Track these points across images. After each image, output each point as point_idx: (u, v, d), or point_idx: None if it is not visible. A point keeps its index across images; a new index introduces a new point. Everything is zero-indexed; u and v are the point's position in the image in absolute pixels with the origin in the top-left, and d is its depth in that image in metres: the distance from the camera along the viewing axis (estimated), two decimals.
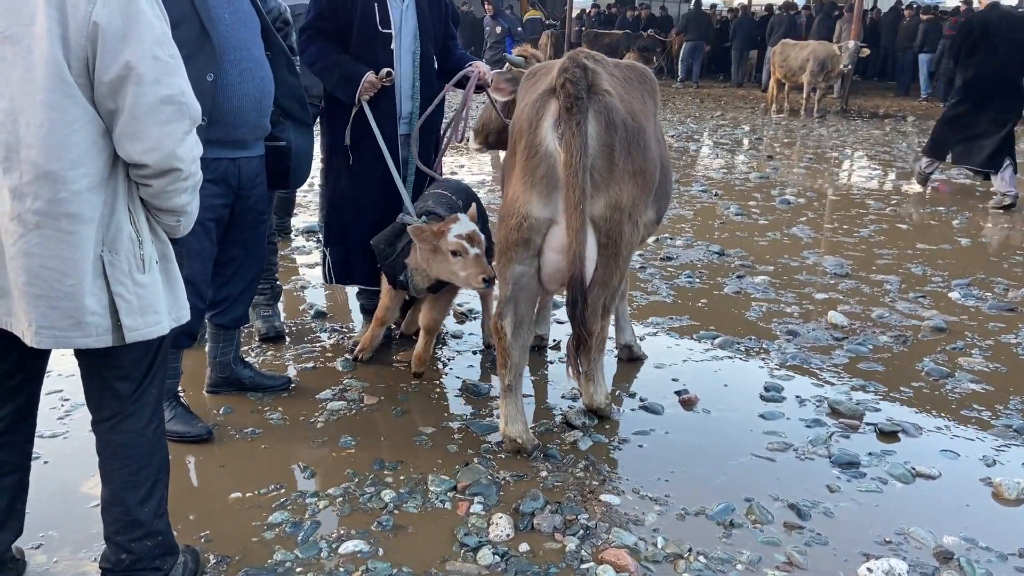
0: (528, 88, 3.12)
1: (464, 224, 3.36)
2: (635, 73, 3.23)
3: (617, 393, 3.72)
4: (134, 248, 1.97)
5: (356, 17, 3.71)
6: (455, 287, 3.62)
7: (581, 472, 3.04)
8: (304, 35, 3.75)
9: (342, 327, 4.42)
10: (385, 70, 3.70)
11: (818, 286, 5.43)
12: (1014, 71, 8.04)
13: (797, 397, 3.72)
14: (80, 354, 2.08)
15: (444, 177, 4.18)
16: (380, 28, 3.73)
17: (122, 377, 2.09)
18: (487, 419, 3.42)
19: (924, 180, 8.90)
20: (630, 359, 4.08)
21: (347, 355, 3.98)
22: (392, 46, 3.76)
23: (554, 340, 4.27)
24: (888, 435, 3.41)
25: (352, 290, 4.62)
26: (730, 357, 4.18)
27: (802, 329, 4.58)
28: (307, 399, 3.56)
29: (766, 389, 3.79)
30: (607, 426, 3.41)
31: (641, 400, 3.65)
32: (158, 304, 2.04)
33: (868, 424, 3.49)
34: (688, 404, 3.64)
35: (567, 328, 3.29)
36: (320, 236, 4.17)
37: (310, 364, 3.93)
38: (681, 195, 8.41)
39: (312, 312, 4.57)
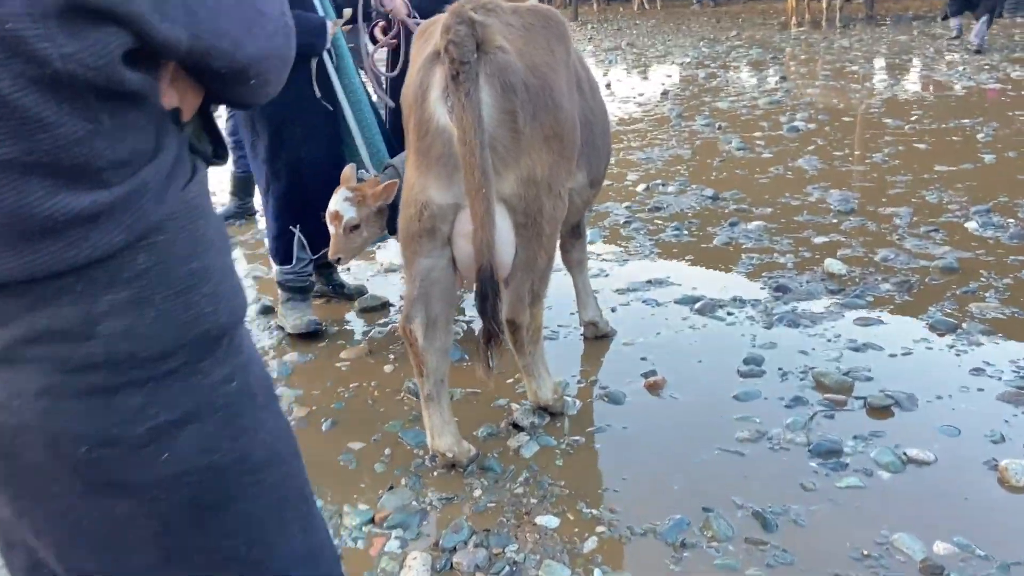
0: (417, 50, 2.65)
1: (334, 199, 3.41)
2: (537, 18, 2.71)
3: (577, 381, 3.34)
4: None
5: None
6: None
7: (520, 487, 2.68)
8: None
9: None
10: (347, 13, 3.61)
11: (818, 227, 4.92)
12: None
13: (779, 370, 3.30)
14: None
15: None
16: None
17: None
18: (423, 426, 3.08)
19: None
20: (596, 337, 3.69)
21: (284, 358, 3.67)
22: None
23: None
24: (879, 411, 2.98)
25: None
26: (709, 325, 3.76)
27: (794, 283, 4.12)
28: None
29: (745, 362, 3.37)
30: (558, 424, 3.04)
31: (602, 388, 3.27)
32: None
33: (857, 398, 3.06)
34: (654, 388, 3.25)
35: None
36: (271, 219, 3.76)
37: None
38: (681, 131, 7.86)
39: (259, 307, 4.25)
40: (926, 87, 9.38)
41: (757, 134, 7.53)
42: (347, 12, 3.68)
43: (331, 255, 3.47)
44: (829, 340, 3.53)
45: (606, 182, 6.20)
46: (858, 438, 2.82)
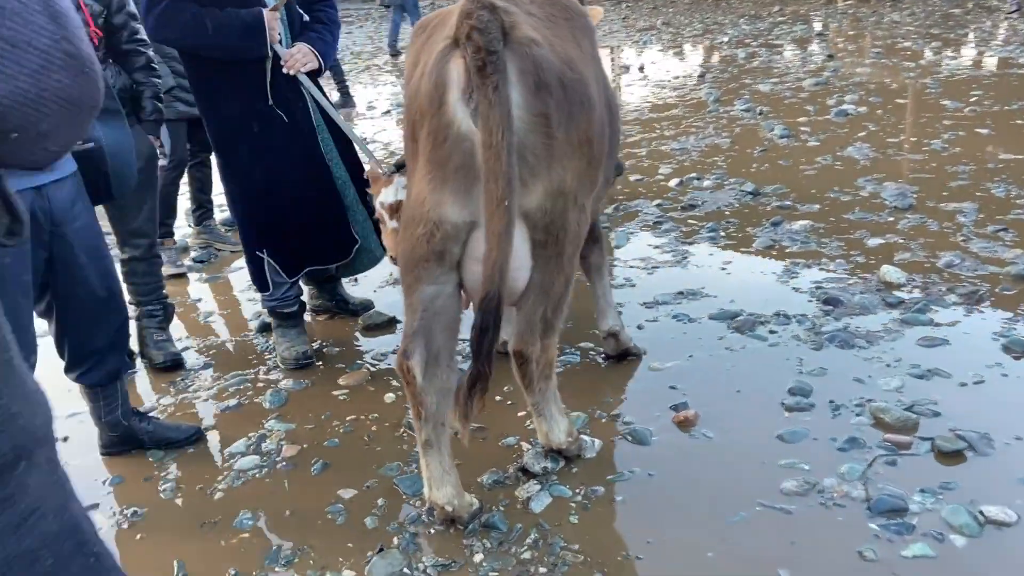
0: (422, 47, 2.25)
1: (392, 190, 3.04)
2: (558, 9, 2.37)
3: (597, 414, 2.96)
4: None
5: None
6: None
7: (528, 551, 2.32)
8: (162, 6, 3.01)
9: None
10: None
11: (873, 227, 4.45)
12: None
13: (831, 403, 2.88)
14: None
15: None
16: None
17: None
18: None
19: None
20: (620, 355, 3.31)
21: (280, 385, 3.35)
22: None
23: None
24: (949, 456, 2.55)
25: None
26: (748, 346, 3.34)
27: (846, 294, 3.68)
28: (216, 454, 2.94)
29: (791, 393, 2.96)
30: (575, 470, 2.67)
31: (626, 423, 2.89)
32: None
33: (923, 439, 2.64)
34: (685, 425, 2.86)
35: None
36: (242, 243, 3.48)
37: (234, 401, 3.30)
38: (719, 118, 7.37)
39: (257, 324, 3.93)
40: (986, 64, 8.73)
41: (802, 119, 7.01)
42: None
43: (394, 255, 3.09)
44: (888, 365, 3.09)
45: (636, 176, 5.80)
46: (926, 492, 2.40)
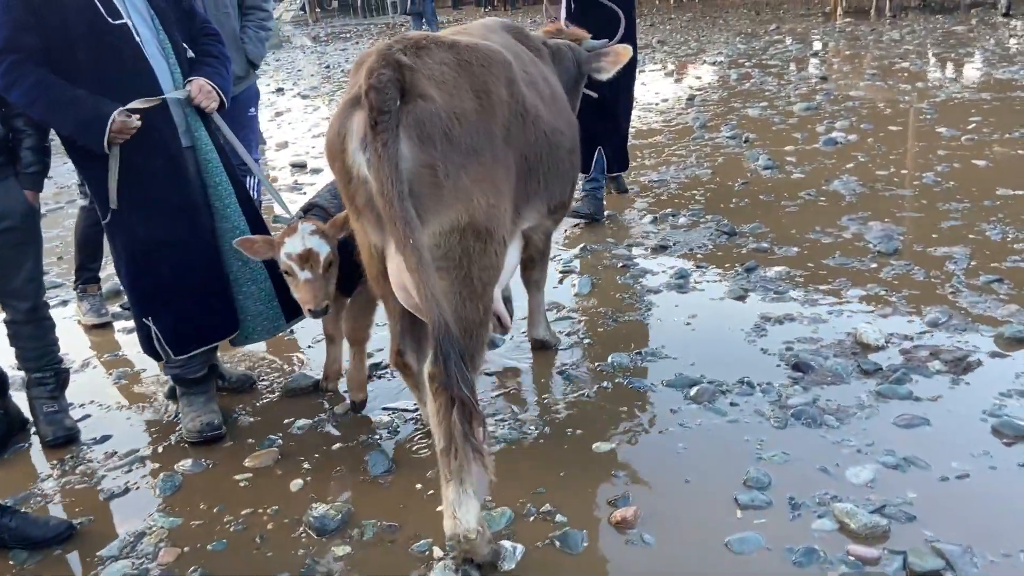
0: (350, 86, 2.45)
1: (299, 239, 2.84)
2: (476, 55, 2.45)
3: (524, 509, 2.58)
4: None
5: (70, 14, 2.69)
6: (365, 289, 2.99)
7: None
8: (5, 64, 2.66)
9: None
10: (139, 106, 2.77)
11: (853, 275, 4.08)
12: None
13: (790, 501, 2.49)
14: None
15: None
16: (110, 19, 2.75)
17: None
18: None
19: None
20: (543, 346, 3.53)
21: (177, 466, 2.97)
22: (136, 39, 2.80)
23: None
24: None
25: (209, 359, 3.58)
26: (704, 422, 2.96)
27: (818, 358, 3.30)
28: (85, 557, 2.57)
29: (746, 486, 2.58)
30: None
31: (557, 523, 2.50)
32: None
33: (894, 552, 2.25)
34: (623, 526, 2.47)
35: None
36: (129, 306, 3.14)
37: (123, 484, 2.92)
38: (703, 146, 7.01)
39: (166, 388, 3.56)
40: (986, 86, 8.36)
41: (788, 148, 6.65)
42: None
43: (313, 304, 2.84)
44: (859, 450, 2.70)
45: (608, 212, 5.43)
46: None
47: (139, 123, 2.75)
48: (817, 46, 12.46)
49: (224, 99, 3.04)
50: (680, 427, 2.95)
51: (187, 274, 3.00)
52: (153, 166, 2.83)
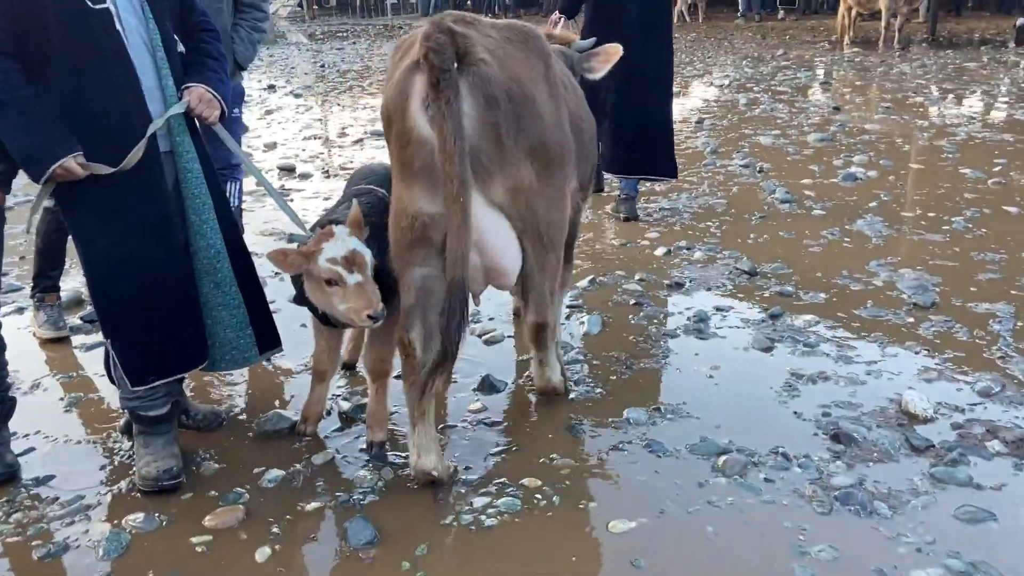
0: (396, 64, 2.58)
1: (340, 241, 2.60)
2: (515, 32, 2.65)
3: None
4: None
5: None
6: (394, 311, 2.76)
7: None
8: None
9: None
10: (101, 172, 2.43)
11: (890, 330, 3.73)
12: None
13: None
14: None
15: (369, 163, 3.56)
16: (90, 2, 2.39)
17: None
18: None
19: None
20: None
21: (125, 521, 2.56)
22: (117, 27, 2.44)
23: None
24: None
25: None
26: (736, 501, 2.59)
27: (860, 427, 2.94)
28: None
29: None
30: None
31: None
32: None
33: None
34: None
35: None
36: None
37: (60, 541, 2.50)
38: (716, 173, 6.68)
39: (123, 421, 3.15)
40: (1009, 127, 8.08)
41: (806, 181, 6.32)
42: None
43: (374, 307, 2.54)
44: (919, 549, 2.34)
45: (620, 240, 5.09)
46: None
47: (85, 174, 2.40)
48: (826, 74, 12.20)
49: (225, 107, 2.69)
50: (709, 506, 2.57)
51: (151, 296, 2.62)
52: (121, 170, 2.44)
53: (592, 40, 3.79)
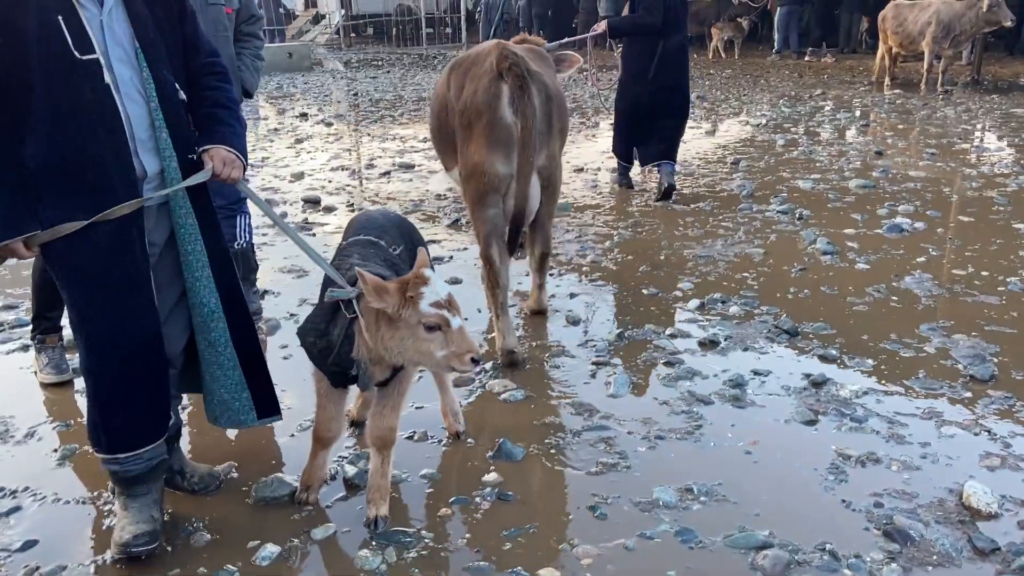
0: (463, 76, 3.87)
1: (436, 285, 2.47)
2: (537, 54, 4.18)
3: None
4: None
5: (31, 43, 2.19)
6: (409, 373, 2.72)
7: None
8: None
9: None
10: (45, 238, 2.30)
11: (946, 406, 3.43)
12: None
13: None
14: None
15: (366, 211, 3.46)
16: (77, 53, 2.22)
17: None
18: None
19: None
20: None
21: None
22: (105, 79, 2.25)
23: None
24: None
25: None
26: None
27: (916, 522, 2.65)
28: None
29: None
30: None
31: None
32: None
33: None
34: None
35: None
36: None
37: None
38: (752, 218, 6.41)
39: (111, 484, 2.94)
40: None
41: (848, 231, 6.03)
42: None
43: (475, 355, 2.46)
44: None
45: (651, 290, 4.85)
46: None
47: (31, 255, 2.31)
48: (866, 116, 11.90)
49: (245, 163, 2.52)
50: None
51: (110, 366, 2.43)
52: (97, 230, 2.26)
53: (558, 43, 5.46)
